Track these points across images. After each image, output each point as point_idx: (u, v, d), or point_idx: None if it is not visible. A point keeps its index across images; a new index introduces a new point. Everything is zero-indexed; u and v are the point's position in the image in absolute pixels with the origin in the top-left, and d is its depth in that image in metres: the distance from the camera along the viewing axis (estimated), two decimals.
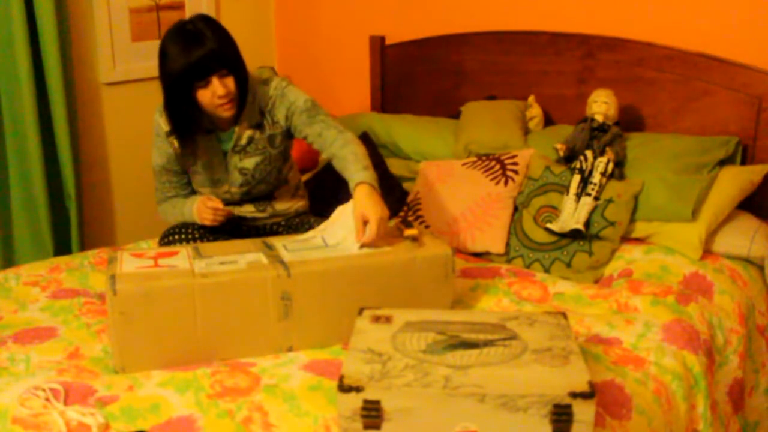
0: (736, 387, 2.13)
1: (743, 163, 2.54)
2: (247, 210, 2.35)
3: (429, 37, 3.24)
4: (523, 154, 2.66)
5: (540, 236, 2.44)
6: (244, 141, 2.21)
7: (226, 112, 2.10)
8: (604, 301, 2.16)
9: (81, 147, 3.16)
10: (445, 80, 3.22)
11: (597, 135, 2.53)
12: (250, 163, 2.24)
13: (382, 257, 1.91)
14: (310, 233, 2.06)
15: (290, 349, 1.85)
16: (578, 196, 2.41)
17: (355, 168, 2.02)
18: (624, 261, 2.37)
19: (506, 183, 2.59)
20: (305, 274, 1.83)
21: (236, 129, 2.20)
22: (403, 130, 3.06)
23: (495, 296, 2.18)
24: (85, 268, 2.41)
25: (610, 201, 2.39)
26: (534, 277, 2.32)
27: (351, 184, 2.00)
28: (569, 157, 2.55)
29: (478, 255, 2.53)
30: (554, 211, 2.45)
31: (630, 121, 2.73)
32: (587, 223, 2.37)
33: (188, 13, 3.47)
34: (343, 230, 1.99)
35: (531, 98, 2.93)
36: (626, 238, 2.44)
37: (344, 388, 1.44)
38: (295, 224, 2.39)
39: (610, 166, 2.43)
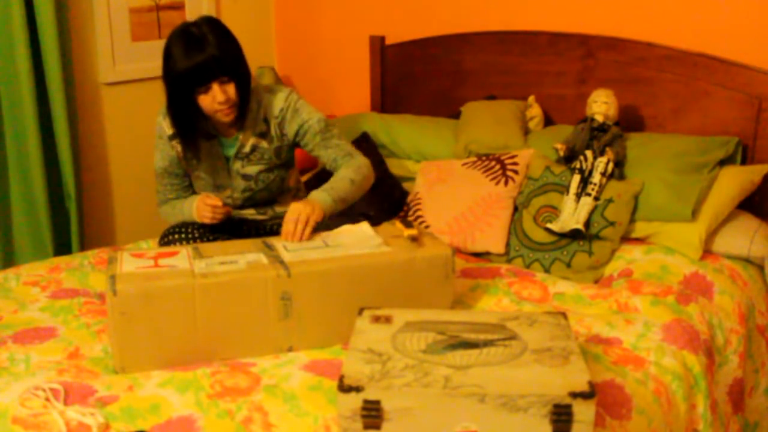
0: (736, 387, 2.13)
1: (743, 163, 2.54)
2: (248, 213, 2.35)
3: (429, 37, 3.24)
4: (523, 154, 2.66)
5: (540, 236, 2.44)
6: (247, 149, 2.21)
7: (226, 117, 2.10)
8: (604, 301, 2.16)
9: (81, 147, 3.16)
10: (445, 80, 3.22)
11: (597, 135, 2.53)
12: (253, 170, 2.24)
13: (382, 257, 1.91)
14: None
15: (290, 349, 1.85)
16: (578, 196, 2.41)
17: (324, 186, 2.11)
18: (624, 261, 2.37)
19: (506, 183, 2.59)
20: (305, 274, 1.83)
21: (240, 137, 2.20)
22: (403, 130, 3.06)
23: (495, 296, 2.18)
24: (85, 268, 2.41)
25: (610, 201, 2.39)
26: (534, 277, 2.32)
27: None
28: (569, 157, 2.55)
29: (478, 255, 2.53)
30: (554, 211, 2.45)
31: (630, 121, 2.73)
32: (587, 223, 2.37)
33: (188, 13, 3.47)
34: (347, 239, 1.99)
35: (531, 98, 2.93)
36: (626, 238, 2.44)
37: (344, 388, 1.43)
38: None
39: (610, 166, 2.43)
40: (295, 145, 2.27)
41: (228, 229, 2.32)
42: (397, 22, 3.39)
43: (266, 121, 2.20)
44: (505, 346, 1.57)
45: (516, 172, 2.61)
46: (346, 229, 2.07)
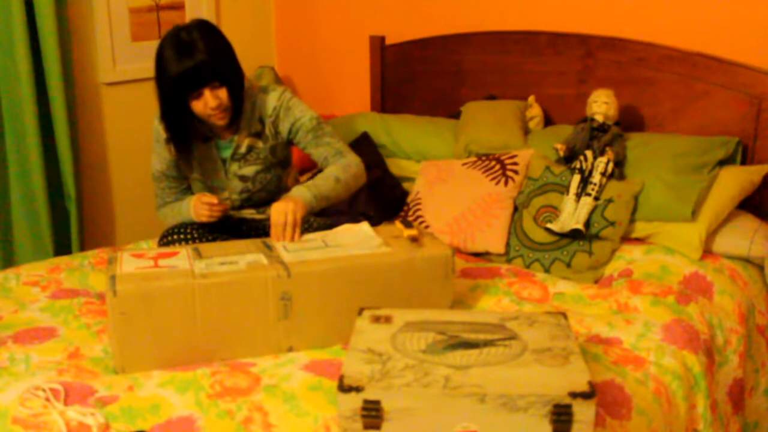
0: (736, 387, 2.13)
1: (743, 163, 2.54)
2: (248, 213, 2.35)
3: (429, 37, 3.24)
4: (523, 154, 2.66)
5: (540, 236, 2.44)
6: (243, 149, 2.21)
7: (220, 121, 2.11)
8: (604, 301, 2.16)
9: (81, 147, 3.16)
10: (444, 80, 3.22)
11: (597, 135, 2.53)
12: (249, 170, 2.24)
13: (382, 257, 1.91)
14: (311, 235, 2.06)
15: (290, 349, 1.85)
16: (578, 196, 2.41)
17: (307, 183, 2.11)
18: (624, 261, 2.37)
19: (506, 183, 2.59)
20: (305, 275, 1.83)
21: (235, 138, 2.20)
22: (403, 130, 3.06)
23: (495, 296, 2.18)
24: (85, 268, 2.41)
25: (610, 201, 2.39)
26: (534, 277, 2.32)
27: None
28: (569, 157, 2.55)
29: (478, 255, 2.53)
30: (554, 211, 2.45)
31: (630, 121, 2.73)
32: (587, 223, 2.37)
33: (188, 13, 3.46)
34: (347, 239, 1.99)
35: (531, 98, 2.93)
36: (626, 238, 2.44)
37: (344, 388, 1.44)
38: None
39: (610, 166, 2.43)
40: (290, 143, 2.27)
41: (227, 229, 2.32)
42: (397, 22, 3.39)
43: (261, 120, 2.21)
44: (505, 346, 1.57)
45: (516, 172, 2.61)
46: (346, 229, 2.07)
